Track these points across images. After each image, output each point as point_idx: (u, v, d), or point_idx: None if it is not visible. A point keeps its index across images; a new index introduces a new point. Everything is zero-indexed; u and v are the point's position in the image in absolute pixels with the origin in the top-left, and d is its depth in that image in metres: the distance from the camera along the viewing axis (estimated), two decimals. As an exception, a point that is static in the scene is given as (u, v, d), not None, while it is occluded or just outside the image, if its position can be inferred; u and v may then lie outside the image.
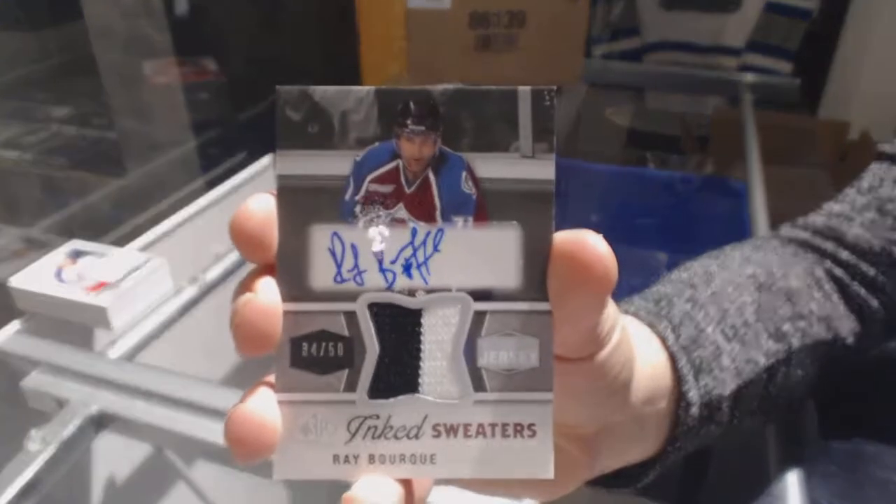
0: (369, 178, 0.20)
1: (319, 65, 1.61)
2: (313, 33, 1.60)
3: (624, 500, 0.38)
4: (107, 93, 1.26)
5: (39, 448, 0.52)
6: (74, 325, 0.65)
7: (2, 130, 1.26)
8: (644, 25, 1.72)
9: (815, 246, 0.44)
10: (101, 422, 0.56)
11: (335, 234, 0.20)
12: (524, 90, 0.20)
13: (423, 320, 0.20)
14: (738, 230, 0.91)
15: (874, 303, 0.43)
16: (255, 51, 1.54)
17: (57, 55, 1.31)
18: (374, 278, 0.20)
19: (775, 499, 0.44)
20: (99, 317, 0.63)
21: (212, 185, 0.90)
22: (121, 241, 0.75)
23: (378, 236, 0.20)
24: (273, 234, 0.20)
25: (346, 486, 0.20)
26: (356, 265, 0.20)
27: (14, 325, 0.65)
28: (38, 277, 0.66)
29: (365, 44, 1.28)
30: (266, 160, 0.96)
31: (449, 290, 0.20)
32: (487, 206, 0.20)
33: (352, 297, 0.20)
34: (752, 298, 0.38)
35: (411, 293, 0.20)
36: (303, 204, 0.20)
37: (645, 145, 1.63)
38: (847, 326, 0.42)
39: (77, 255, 0.69)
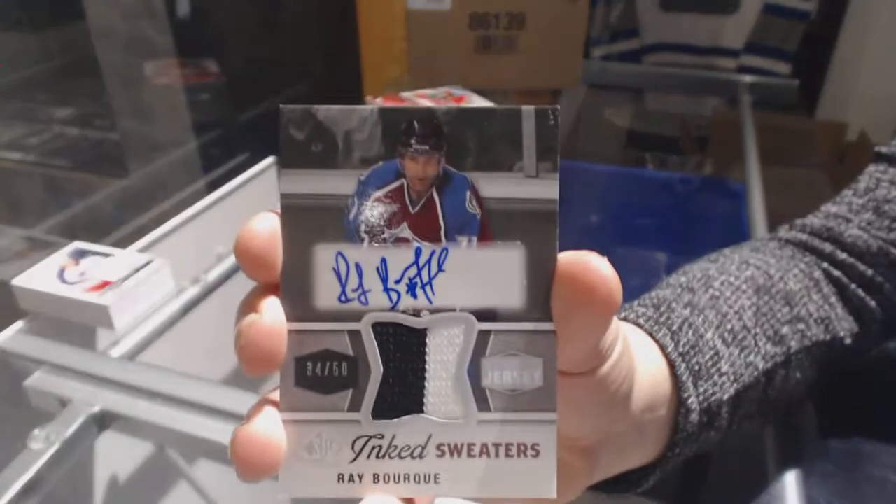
0: (373, 197, 0.20)
1: (320, 66, 1.61)
2: (314, 35, 1.59)
3: (623, 500, 0.39)
4: (109, 94, 1.26)
5: (42, 447, 0.52)
6: (77, 325, 0.65)
7: (5, 132, 1.26)
8: (643, 27, 1.73)
9: (812, 247, 0.44)
10: (103, 421, 0.56)
11: (339, 253, 0.20)
12: (528, 109, 0.20)
13: (427, 340, 0.20)
14: (736, 231, 0.91)
15: (872, 303, 0.43)
16: (255, 52, 1.54)
17: (59, 56, 1.30)
18: (378, 298, 0.20)
19: (774, 498, 0.44)
20: (101, 316, 0.64)
21: (213, 185, 0.90)
22: (123, 242, 0.75)
23: (382, 256, 0.20)
24: (277, 254, 0.20)
25: (350, 502, 0.20)
26: (360, 285, 0.20)
27: (17, 326, 0.65)
28: (40, 277, 0.66)
29: (365, 45, 1.28)
30: (267, 161, 0.96)
31: (453, 309, 0.20)
32: (491, 225, 0.20)
33: (356, 316, 0.20)
34: (751, 302, 0.38)
35: (416, 313, 0.20)
36: (307, 223, 0.20)
37: (644, 146, 1.62)
38: (845, 328, 0.42)
39: (80, 255, 0.69)
